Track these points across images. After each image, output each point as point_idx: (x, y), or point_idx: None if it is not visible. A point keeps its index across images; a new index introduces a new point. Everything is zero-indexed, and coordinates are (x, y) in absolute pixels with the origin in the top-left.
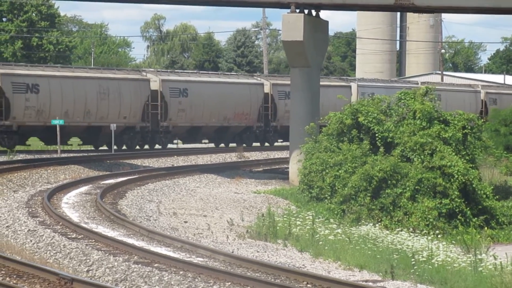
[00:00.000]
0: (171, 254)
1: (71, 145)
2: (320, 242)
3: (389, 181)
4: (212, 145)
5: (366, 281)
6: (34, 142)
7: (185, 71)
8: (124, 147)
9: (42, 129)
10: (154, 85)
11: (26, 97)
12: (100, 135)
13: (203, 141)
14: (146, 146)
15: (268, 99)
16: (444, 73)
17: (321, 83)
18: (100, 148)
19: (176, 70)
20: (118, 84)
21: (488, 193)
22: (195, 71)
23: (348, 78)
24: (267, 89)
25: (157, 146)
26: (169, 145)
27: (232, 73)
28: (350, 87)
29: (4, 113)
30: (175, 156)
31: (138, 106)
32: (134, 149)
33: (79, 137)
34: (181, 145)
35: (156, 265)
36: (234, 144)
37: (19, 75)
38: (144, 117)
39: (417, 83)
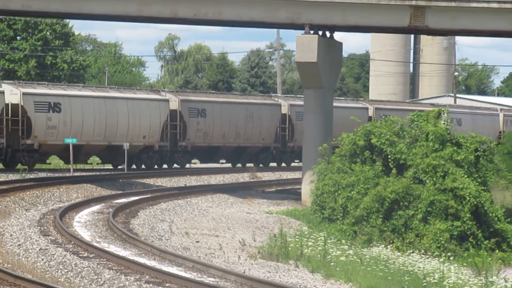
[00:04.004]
0: (183, 273)
1: (222, 163)
2: (332, 263)
3: (401, 203)
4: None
5: None
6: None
7: None
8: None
9: (205, 149)
10: (284, 109)
11: (198, 121)
12: (244, 155)
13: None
14: (273, 164)
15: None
16: (457, 95)
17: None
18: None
19: (298, 95)
20: (259, 108)
21: (499, 215)
22: None
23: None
24: (370, 112)
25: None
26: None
27: (341, 97)
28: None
29: (182, 135)
30: (188, 176)
31: (273, 128)
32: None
33: (226, 157)
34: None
35: (167, 284)
36: None
37: (192, 101)
38: (276, 138)
39: None
